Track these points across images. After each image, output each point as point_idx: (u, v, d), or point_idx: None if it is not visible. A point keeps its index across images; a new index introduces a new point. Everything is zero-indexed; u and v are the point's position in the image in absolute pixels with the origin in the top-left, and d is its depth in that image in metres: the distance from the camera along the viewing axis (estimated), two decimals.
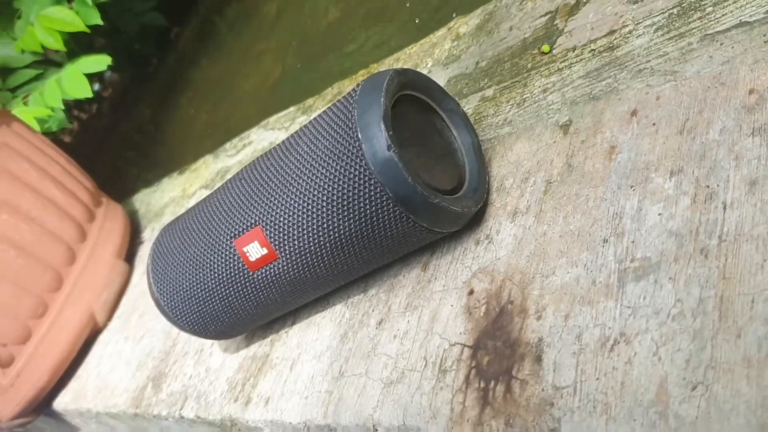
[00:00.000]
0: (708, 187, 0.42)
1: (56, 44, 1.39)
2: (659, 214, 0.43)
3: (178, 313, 0.63)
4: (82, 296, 1.00)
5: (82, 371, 1.01)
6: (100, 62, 1.40)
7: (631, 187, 0.46)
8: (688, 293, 0.39)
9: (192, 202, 1.08)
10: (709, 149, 0.44)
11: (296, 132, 0.56)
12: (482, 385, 0.46)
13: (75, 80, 1.39)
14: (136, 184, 1.46)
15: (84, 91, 1.38)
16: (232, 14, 1.89)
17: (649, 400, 0.37)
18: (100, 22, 1.40)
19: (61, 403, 1.00)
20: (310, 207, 0.52)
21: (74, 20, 1.36)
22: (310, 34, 1.38)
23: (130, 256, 1.13)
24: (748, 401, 0.34)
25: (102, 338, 1.03)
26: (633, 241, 0.44)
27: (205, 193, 1.07)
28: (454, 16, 0.79)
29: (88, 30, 1.37)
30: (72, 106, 2.21)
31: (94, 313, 1.01)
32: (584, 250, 0.46)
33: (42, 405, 1.03)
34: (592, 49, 0.57)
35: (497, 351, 0.46)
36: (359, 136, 0.48)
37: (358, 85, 0.52)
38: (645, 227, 0.43)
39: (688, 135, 0.45)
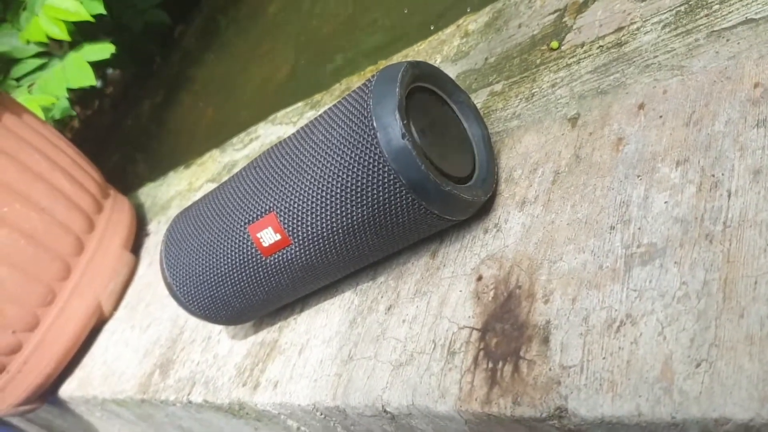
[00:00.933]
0: (713, 176, 0.44)
1: (61, 34, 1.39)
2: (665, 202, 0.45)
3: (190, 297, 0.64)
4: (90, 286, 1.01)
5: (88, 359, 1.02)
6: (103, 50, 1.41)
7: (638, 176, 0.48)
8: (693, 276, 0.40)
9: (198, 196, 1.09)
10: (715, 140, 0.45)
11: (311, 122, 0.58)
12: (490, 365, 0.47)
13: (78, 68, 1.40)
14: (139, 181, 1.47)
15: (87, 79, 1.39)
16: (237, 14, 1.90)
17: (654, 377, 0.39)
18: (103, 11, 1.41)
19: (66, 390, 1.02)
20: (324, 194, 0.53)
21: (79, 10, 1.37)
22: (316, 33, 1.39)
23: (136, 248, 1.14)
24: (750, 376, 0.35)
25: (108, 327, 1.05)
26: (639, 228, 0.45)
27: (212, 186, 1.08)
28: (468, 10, 0.80)
29: (92, 19, 1.38)
30: (74, 102, 2.22)
31: (101, 303, 1.03)
32: (591, 236, 0.48)
33: (47, 393, 1.04)
34: (601, 45, 0.59)
35: (505, 333, 0.48)
36: (374, 124, 0.50)
37: (373, 76, 0.53)
38: (651, 214, 0.45)
39: (694, 127, 0.47)
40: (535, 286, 0.48)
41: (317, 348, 0.62)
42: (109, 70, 2.30)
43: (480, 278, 0.53)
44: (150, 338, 0.90)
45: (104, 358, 0.98)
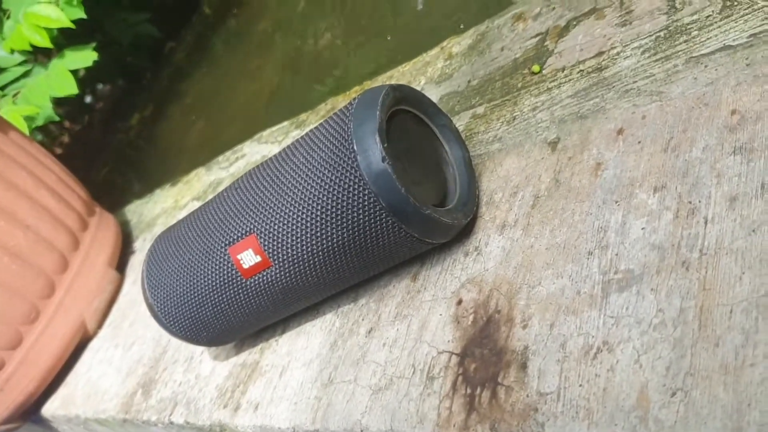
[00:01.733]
0: (690, 202, 0.44)
1: (43, 41, 1.39)
2: (642, 228, 0.45)
3: (171, 318, 0.64)
4: (74, 303, 1.00)
5: (72, 378, 1.02)
6: (86, 58, 1.40)
7: (616, 202, 0.48)
8: (669, 304, 0.40)
9: (184, 214, 1.09)
10: (692, 167, 0.45)
11: (292, 143, 0.58)
12: (469, 391, 0.47)
13: (61, 77, 1.39)
14: (127, 196, 1.47)
15: (69, 88, 1.38)
16: (226, 31, 1.91)
17: (630, 405, 0.39)
18: (84, 16, 1.40)
19: (49, 409, 1.01)
20: (304, 216, 0.53)
21: (60, 16, 1.37)
22: (303, 52, 1.39)
23: (121, 266, 1.14)
24: (725, 406, 0.35)
25: (92, 345, 1.04)
26: (617, 254, 0.45)
27: (198, 204, 1.08)
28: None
29: (73, 26, 1.38)
30: (64, 117, 2.21)
31: (85, 321, 1.02)
32: (569, 261, 0.48)
33: (29, 411, 1.03)
34: (581, 70, 0.59)
35: (484, 358, 0.48)
36: (355, 147, 0.50)
37: (354, 99, 0.53)
38: (629, 240, 0.45)
39: (672, 153, 0.47)
40: (514, 310, 0.48)
41: (298, 370, 0.62)
42: (99, 85, 2.30)
43: (460, 302, 0.53)
44: (133, 357, 0.89)
45: (88, 377, 0.98)
